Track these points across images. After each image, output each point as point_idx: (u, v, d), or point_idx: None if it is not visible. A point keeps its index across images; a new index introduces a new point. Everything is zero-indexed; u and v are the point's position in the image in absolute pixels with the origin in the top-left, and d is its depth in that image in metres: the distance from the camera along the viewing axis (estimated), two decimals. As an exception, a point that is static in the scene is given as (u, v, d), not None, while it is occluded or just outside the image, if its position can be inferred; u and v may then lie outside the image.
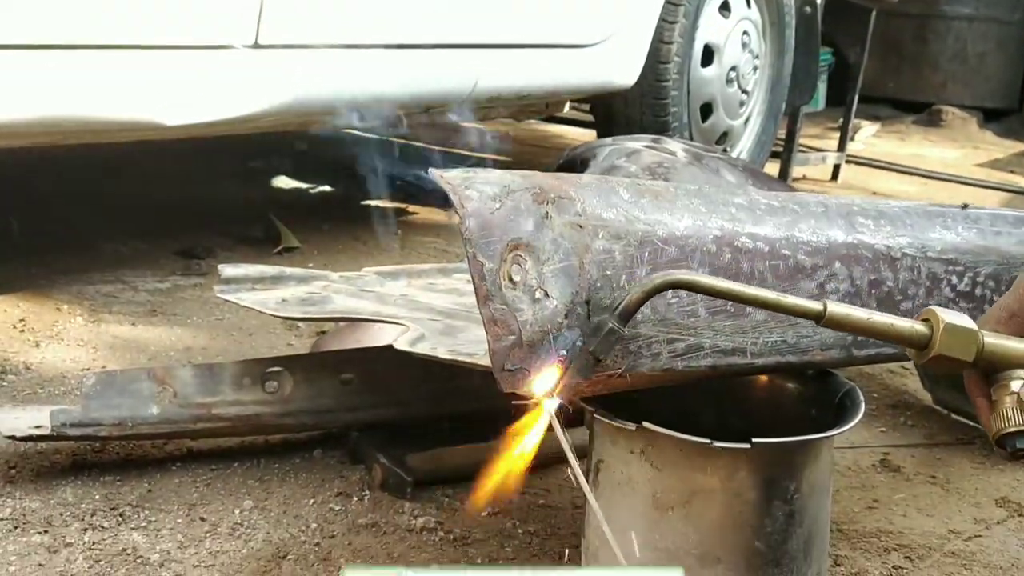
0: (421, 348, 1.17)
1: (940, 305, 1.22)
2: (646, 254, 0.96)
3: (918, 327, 0.92)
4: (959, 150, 6.03)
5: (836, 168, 4.77)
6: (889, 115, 6.76)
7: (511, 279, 0.90)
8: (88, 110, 1.80)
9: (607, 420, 1.03)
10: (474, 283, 0.88)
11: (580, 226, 0.93)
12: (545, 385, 0.90)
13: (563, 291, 0.92)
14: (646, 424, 1.00)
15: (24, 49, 1.68)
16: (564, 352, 0.91)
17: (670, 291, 0.98)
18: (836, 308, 0.89)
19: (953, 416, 2.01)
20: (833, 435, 1.06)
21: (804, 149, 4.72)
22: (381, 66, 2.27)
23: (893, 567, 1.47)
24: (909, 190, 4.79)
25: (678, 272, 0.91)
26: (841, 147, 4.81)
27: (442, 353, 1.13)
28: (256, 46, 1.98)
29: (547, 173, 1.00)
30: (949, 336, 0.91)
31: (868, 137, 6.01)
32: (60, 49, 1.72)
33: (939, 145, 6.14)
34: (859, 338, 1.15)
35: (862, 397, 1.13)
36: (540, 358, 0.90)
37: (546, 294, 0.91)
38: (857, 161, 5.11)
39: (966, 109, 6.65)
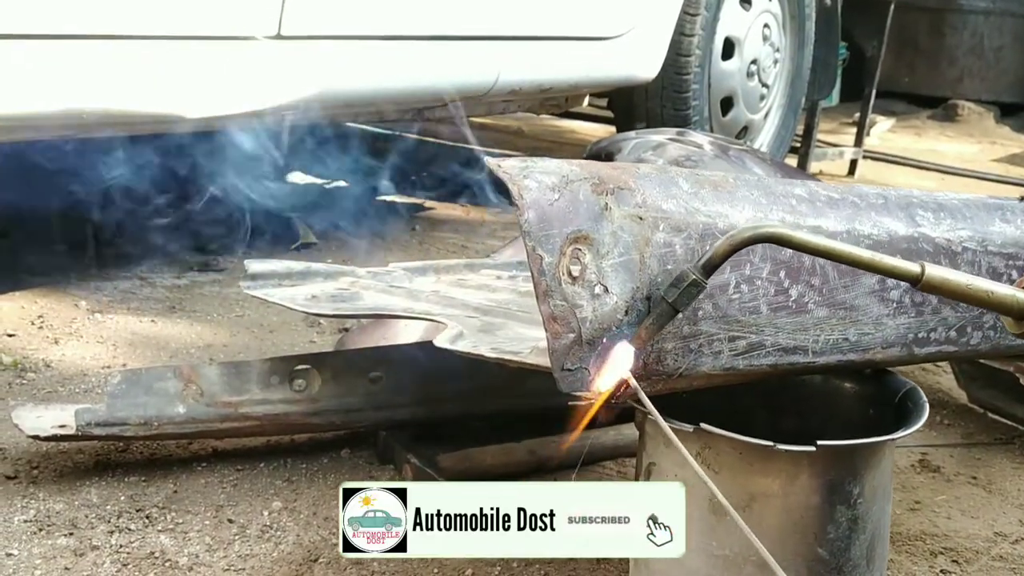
0: (462, 346, 1.13)
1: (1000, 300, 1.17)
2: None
3: (1020, 296, 0.88)
4: (976, 145, 5.98)
5: (853, 163, 4.73)
6: (904, 110, 6.70)
7: (570, 274, 0.86)
8: (110, 102, 1.76)
9: (661, 420, 0.99)
10: (533, 278, 0.84)
11: (640, 218, 0.89)
12: (606, 385, 0.86)
13: (623, 287, 0.88)
14: (704, 426, 0.96)
15: (45, 40, 1.64)
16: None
17: (731, 287, 0.94)
18: (934, 271, 0.85)
19: (990, 415, 1.97)
20: (900, 437, 1.02)
21: (821, 144, 4.68)
22: (403, 58, 2.22)
23: (941, 571, 1.43)
24: (927, 186, 4.75)
25: (768, 224, 0.86)
26: (858, 142, 4.76)
27: (485, 351, 1.09)
28: (279, 37, 1.94)
29: (605, 163, 0.96)
30: None
31: (883, 132, 5.97)
32: (81, 40, 1.68)
33: (955, 140, 6.09)
34: (920, 335, 1.10)
35: (924, 397, 1.08)
36: (600, 357, 0.86)
37: (606, 289, 0.87)
38: (874, 156, 5.07)
39: (982, 104, 6.60)
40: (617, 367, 0.85)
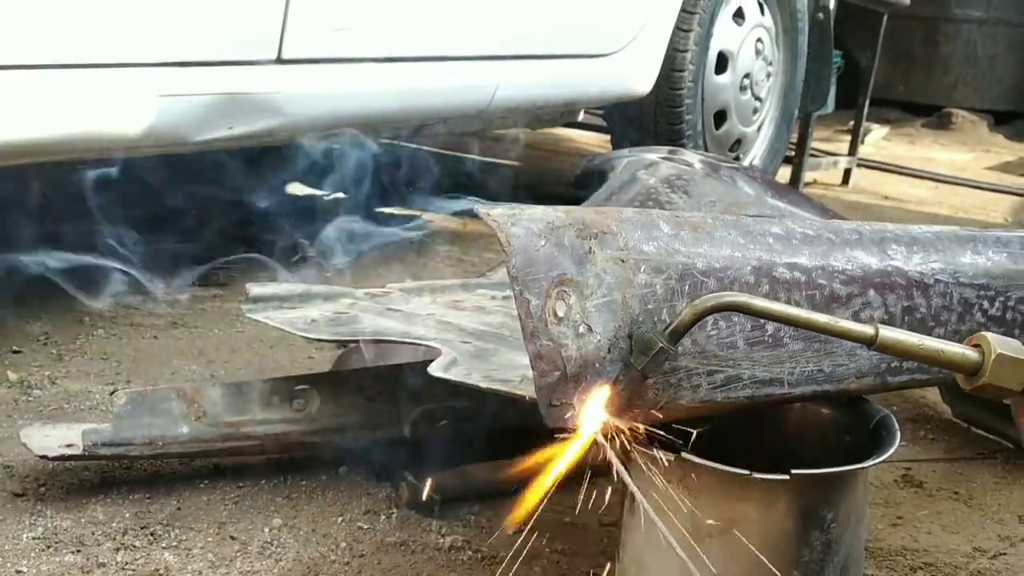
0: (455, 374, 1.18)
1: (971, 331, 1.22)
2: (686, 287, 0.96)
3: (969, 354, 0.92)
4: (969, 153, 6.03)
5: (847, 172, 4.78)
6: (899, 118, 6.76)
7: (556, 315, 0.90)
8: (111, 126, 1.81)
9: (643, 449, 1.04)
10: (520, 319, 0.89)
11: (622, 260, 0.94)
12: (590, 421, 0.91)
13: (606, 326, 0.93)
14: (684, 455, 1.01)
15: (49, 69, 1.69)
16: (612, 382, 0.91)
17: (710, 323, 0.99)
18: (888, 333, 0.89)
19: (974, 430, 2.01)
20: (871, 465, 1.07)
21: (816, 153, 4.73)
22: (401, 79, 2.27)
23: (920, 586, 1.47)
24: (920, 194, 4.80)
25: (730, 294, 0.91)
26: (852, 151, 4.81)
27: (477, 380, 1.13)
28: (279, 61, 1.98)
29: (589, 208, 1.01)
30: (1000, 366, 0.92)
31: (878, 140, 6.02)
32: (85, 68, 1.73)
33: (949, 148, 6.14)
34: (893, 365, 1.15)
35: (897, 425, 1.13)
36: (584, 393, 0.91)
37: (590, 329, 0.92)
38: (868, 165, 5.12)
39: (976, 112, 6.66)
40: (595, 417, 0.90)
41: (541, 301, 0.89)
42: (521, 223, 0.91)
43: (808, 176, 4.49)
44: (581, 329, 0.91)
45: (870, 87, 4.74)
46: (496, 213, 0.91)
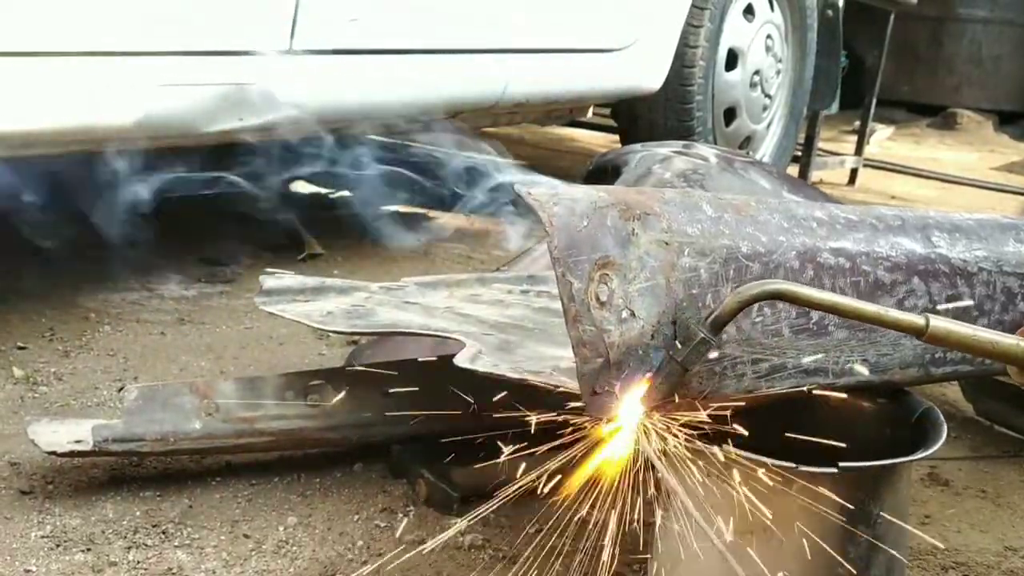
0: (481, 365, 1.14)
1: (1014, 321, 1.19)
2: (731, 271, 0.92)
3: None
4: (975, 153, 6.01)
5: (853, 172, 4.76)
6: (904, 118, 6.74)
7: (598, 299, 0.87)
8: (124, 117, 1.77)
9: (684, 441, 1.00)
10: (563, 303, 0.85)
11: (666, 243, 0.90)
12: (632, 410, 0.87)
13: (649, 311, 0.89)
14: (727, 448, 0.97)
15: (59, 56, 1.65)
16: (651, 374, 0.87)
17: (755, 310, 0.95)
18: (939, 323, 0.86)
19: (996, 428, 1.98)
20: (919, 458, 1.03)
21: (822, 153, 4.70)
22: (413, 72, 2.24)
23: (953, 586, 1.44)
24: (927, 194, 4.77)
25: (774, 282, 0.87)
26: (858, 151, 4.79)
27: (505, 371, 1.09)
28: (290, 52, 1.95)
29: (630, 188, 0.97)
30: None
31: (883, 140, 6.00)
32: (96, 56, 1.69)
33: (955, 148, 6.12)
34: (937, 356, 1.12)
35: (942, 418, 1.10)
36: (627, 380, 0.87)
37: (632, 314, 0.88)
38: (874, 165, 5.09)
39: (981, 112, 6.64)
40: (637, 406, 0.86)
41: (584, 284, 0.86)
42: (564, 203, 0.87)
43: (815, 176, 4.47)
44: (624, 314, 0.87)
45: (876, 87, 4.71)
46: (538, 192, 0.88)
